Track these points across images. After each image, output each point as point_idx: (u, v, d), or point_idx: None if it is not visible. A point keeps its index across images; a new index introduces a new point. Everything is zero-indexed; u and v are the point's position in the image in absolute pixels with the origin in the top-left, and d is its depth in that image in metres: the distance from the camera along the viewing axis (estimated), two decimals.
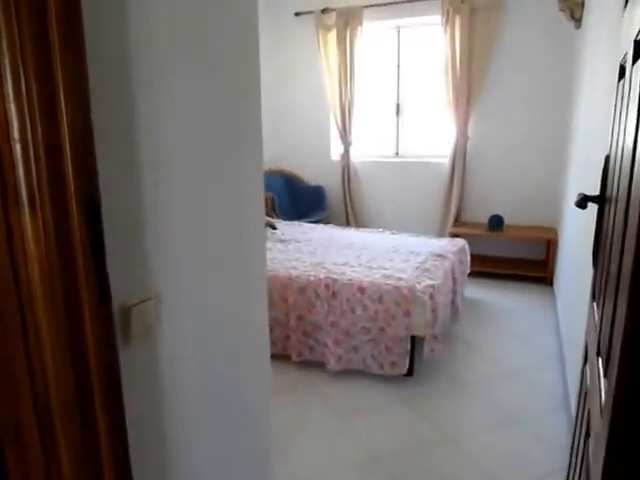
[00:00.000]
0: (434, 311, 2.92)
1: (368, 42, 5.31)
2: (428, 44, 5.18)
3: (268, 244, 3.92)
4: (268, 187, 5.24)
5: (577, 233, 3.13)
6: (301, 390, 2.99)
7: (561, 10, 4.15)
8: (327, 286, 3.07)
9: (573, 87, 4.13)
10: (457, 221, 5.13)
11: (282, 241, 4.04)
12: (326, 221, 5.45)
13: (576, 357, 2.81)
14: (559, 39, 4.55)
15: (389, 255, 3.60)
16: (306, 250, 3.77)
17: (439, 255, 3.55)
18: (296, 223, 4.80)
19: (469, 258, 4.18)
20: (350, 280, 3.06)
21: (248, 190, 1.50)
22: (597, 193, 1.65)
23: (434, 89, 5.18)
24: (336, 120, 5.44)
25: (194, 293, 1.28)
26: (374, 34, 5.33)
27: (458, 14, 4.74)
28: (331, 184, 5.66)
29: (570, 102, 4.25)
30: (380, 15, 5.11)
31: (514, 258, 5.06)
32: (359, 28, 5.12)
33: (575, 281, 3.09)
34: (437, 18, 4.88)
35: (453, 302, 3.52)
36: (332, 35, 5.26)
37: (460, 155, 5.02)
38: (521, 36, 4.72)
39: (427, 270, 3.24)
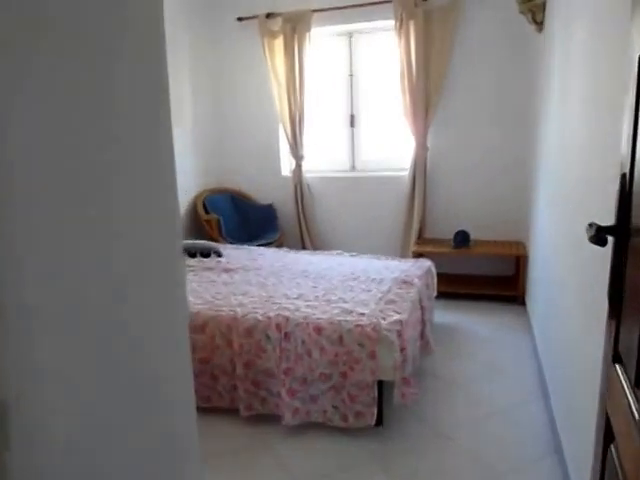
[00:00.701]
0: (403, 350, 2.52)
1: (318, 49, 4.94)
2: (382, 51, 4.85)
3: (212, 275, 3.45)
4: (214, 207, 4.78)
5: (554, 249, 2.80)
6: (251, 451, 2.53)
7: (521, 13, 3.88)
8: (278, 326, 2.62)
9: (538, 95, 3.85)
10: (420, 238, 4.78)
11: (228, 270, 3.57)
12: (279, 243, 5.01)
13: (561, 389, 2.47)
14: (521, 44, 4.29)
15: (349, 284, 3.18)
16: (255, 281, 3.32)
17: (404, 282, 3.16)
18: (245, 247, 4.34)
19: (436, 280, 3.82)
20: (305, 318, 2.63)
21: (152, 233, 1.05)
22: (612, 222, 1.28)
23: (391, 98, 4.85)
24: (286, 132, 5.03)
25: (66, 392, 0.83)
26: (324, 40, 4.96)
27: (412, 18, 4.42)
28: (283, 202, 5.23)
29: (535, 109, 3.97)
30: (330, 20, 4.75)
31: (482, 276, 4.74)
32: (307, 34, 4.74)
33: (553, 301, 2.75)
34: (390, 23, 4.55)
35: (422, 334, 3.13)
36: (279, 42, 4.86)
37: (420, 168, 4.68)
38: (479, 41, 4.44)
39: (392, 301, 2.84)
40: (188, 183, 5.00)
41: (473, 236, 4.55)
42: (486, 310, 4.27)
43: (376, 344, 2.48)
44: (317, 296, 2.97)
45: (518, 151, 4.47)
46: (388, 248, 4.92)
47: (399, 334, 2.50)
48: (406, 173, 4.78)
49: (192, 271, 3.61)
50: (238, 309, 2.79)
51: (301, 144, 5.01)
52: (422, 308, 3.11)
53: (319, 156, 5.24)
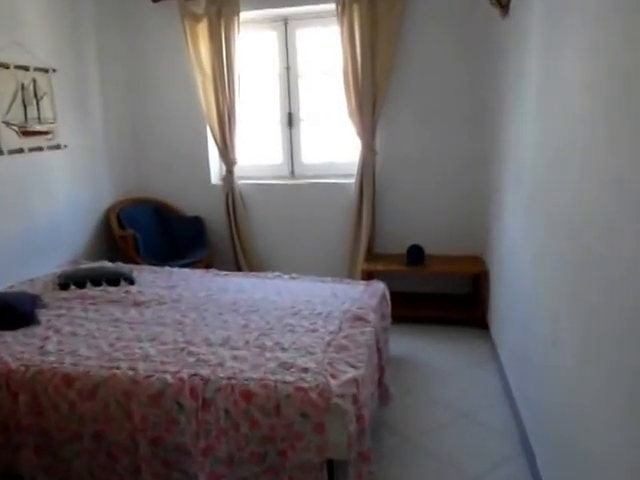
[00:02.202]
0: (360, 420, 1.92)
1: (248, 36, 4.30)
2: (323, 40, 4.26)
3: (117, 311, 2.74)
4: (131, 221, 4.04)
5: (534, 265, 2.29)
6: None
7: None
8: (194, 391, 1.96)
9: (501, 89, 3.37)
10: (370, 253, 4.22)
11: (138, 304, 2.86)
12: (208, 262, 4.32)
13: (550, 445, 1.95)
14: (481, 30, 3.79)
15: (288, 322, 2.55)
16: (170, 319, 2.63)
17: (357, 318, 2.56)
18: (166, 269, 3.62)
19: (390, 306, 3.25)
20: (230, 379, 1.98)
21: None
22: None
23: (334, 95, 4.27)
24: (214, 134, 4.34)
25: None
26: (255, 26, 4.32)
27: (356, 2, 3.85)
28: (213, 214, 4.53)
29: (498, 105, 3.48)
30: (262, 2, 4.12)
31: (438, 294, 4.24)
32: (235, 18, 4.08)
33: (535, 331, 2.24)
34: (331, 7, 3.96)
35: (380, 382, 2.55)
36: (202, 27, 4.17)
37: (368, 174, 4.12)
38: (432, 29, 3.93)
39: (343, 347, 2.23)
40: (100, 192, 4.23)
41: (427, 250, 4.03)
42: (445, 335, 3.75)
43: (324, 414, 1.86)
44: (248, 341, 2.32)
45: (476, 153, 3.99)
46: (334, 266, 4.33)
47: (355, 399, 1.90)
48: (352, 180, 4.22)
49: (93, 304, 2.87)
50: (141, 366, 2.11)
51: (232, 147, 4.34)
52: (379, 351, 2.53)
53: (253, 161, 4.59)
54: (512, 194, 3.01)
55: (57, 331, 2.49)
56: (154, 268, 3.67)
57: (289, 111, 4.42)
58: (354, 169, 4.18)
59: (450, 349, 3.54)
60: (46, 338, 2.41)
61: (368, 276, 3.95)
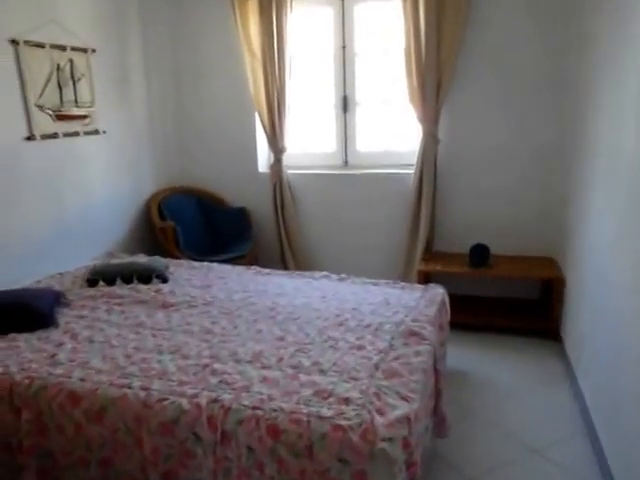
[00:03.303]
0: (411, 467, 1.54)
1: (301, 14, 3.93)
2: (383, 17, 3.84)
3: (142, 314, 2.47)
4: (172, 212, 3.79)
5: (632, 275, 1.83)
6: None
7: None
8: (212, 422, 1.64)
9: (594, 66, 2.85)
10: (428, 252, 3.79)
11: (167, 306, 2.58)
12: (252, 257, 4.03)
13: None
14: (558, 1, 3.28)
15: (331, 335, 2.20)
16: (199, 326, 2.33)
17: (412, 333, 2.17)
18: (205, 265, 3.35)
19: (449, 314, 2.84)
20: (255, 409, 1.64)
21: None
22: None
23: (394, 77, 3.85)
24: (262, 119, 4.02)
25: None
26: (309, 3, 3.95)
27: None
28: (259, 206, 4.23)
29: (585, 89, 2.97)
30: None
31: (503, 299, 3.77)
32: None
33: (630, 354, 1.78)
34: None
35: (436, 410, 2.15)
36: (253, 4, 3.84)
37: (430, 164, 3.69)
38: (508, 6, 3.44)
39: (395, 373, 1.85)
40: (141, 181, 4.01)
41: (493, 250, 3.57)
42: (510, 346, 3.29)
43: (367, 461, 1.50)
44: (281, 358, 1.98)
45: (554, 143, 3.48)
46: (388, 265, 3.94)
47: (406, 443, 1.52)
48: (412, 171, 3.79)
49: (119, 305, 2.62)
50: (156, 385, 1.81)
51: (281, 133, 4.01)
52: (436, 372, 2.13)
53: (304, 149, 4.24)
54: (603, 190, 2.52)
55: (74, 336, 2.24)
56: (192, 263, 3.40)
57: (344, 94, 4.04)
58: (413, 158, 3.76)
59: (516, 363, 3.08)
60: (60, 344, 2.16)
61: (425, 278, 3.54)
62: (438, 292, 2.79)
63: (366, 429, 1.52)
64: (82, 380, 1.86)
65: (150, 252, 3.75)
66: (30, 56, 3.02)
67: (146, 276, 2.94)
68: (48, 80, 3.15)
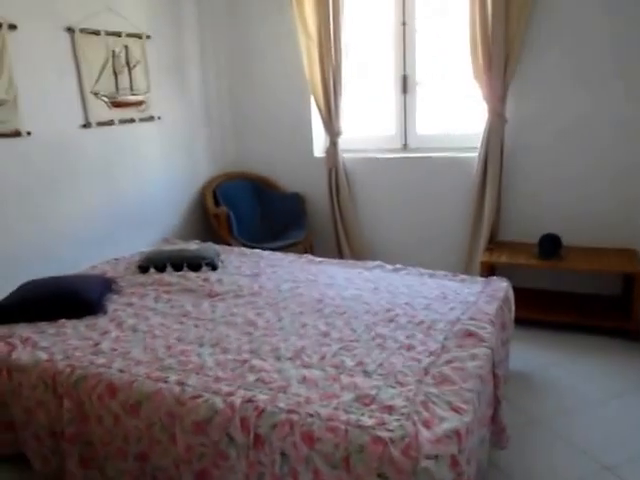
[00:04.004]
0: None
1: None
2: None
3: (188, 303, 2.44)
4: (227, 198, 3.75)
5: None
6: None
7: None
8: (245, 424, 1.55)
9: None
10: (492, 242, 3.54)
11: (213, 296, 2.53)
12: (307, 245, 3.93)
13: None
14: None
15: (380, 332, 2.05)
16: (243, 317, 2.25)
17: (469, 334, 1.99)
18: (256, 253, 3.28)
19: (513, 310, 2.62)
20: (291, 413, 1.54)
21: None
22: None
23: (457, 55, 3.59)
24: (317, 101, 3.88)
25: None
26: None
27: None
28: (314, 191, 4.12)
29: None
30: None
31: (576, 294, 3.47)
32: None
33: None
34: None
35: (494, 419, 1.97)
36: None
37: (495, 146, 3.42)
38: None
39: (446, 379, 1.68)
40: (196, 167, 3.99)
41: (565, 241, 3.28)
42: (584, 348, 3.01)
43: (409, 478, 1.36)
44: (324, 356, 1.87)
45: (636, 121, 3.14)
46: (449, 255, 3.73)
47: (454, 462, 1.37)
48: (475, 154, 3.54)
49: (167, 292, 2.59)
50: (192, 380, 1.74)
51: (337, 115, 3.85)
52: (495, 378, 1.95)
53: (361, 132, 4.07)
54: None
55: (119, 324, 2.23)
56: (244, 250, 3.34)
57: (404, 74, 3.82)
58: (477, 141, 3.51)
59: (590, 367, 2.81)
60: (105, 333, 2.15)
61: (488, 269, 3.31)
62: (501, 286, 2.58)
63: (409, 444, 1.37)
64: (121, 371, 1.83)
65: (204, 238, 3.73)
66: (85, 43, 3.03)
67: (196, 264, 2.90)
68: (103, 67, 3.16)
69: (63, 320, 2.28)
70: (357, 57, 3.89)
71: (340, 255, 3.98)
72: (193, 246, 3.16)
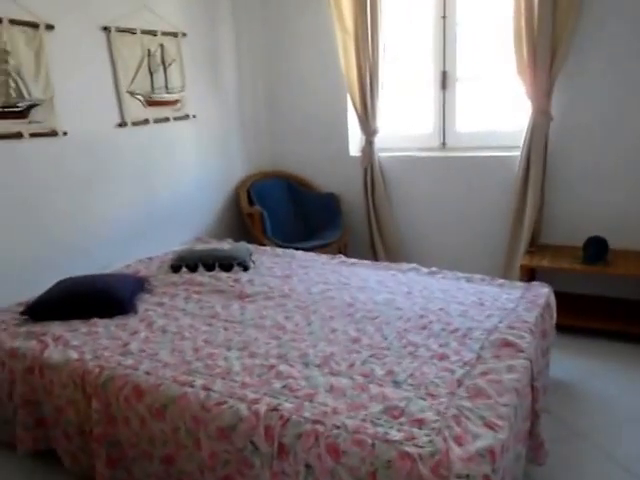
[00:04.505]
0: None
1: None
2: None
3: (218, 304, 2.42)
4: (261, 197, 3.73)
5: None
6: None
7: None
8: (269, 433, 1.51)
9: None
10: (534, 245, 3.40)
11: (243, 297, 2.50)
12: (342, 245, 3.87)
13: None
14: None
15: (412, 339, 1.98)
16: (271, 320, 2.21)
17: (507, 344, 1.89)
18: (289, 253, 3.25)
19: (555, 317, 2.50)
20: (316, 423, 1.48)
21: None
22: None
23: (500, 49, 3.46)
24: (354, 99, 3.81)
25: None
26: None
27: None
28: (349, 191, 4.05)
29: None
30: None
31: (622, 300, 3.29)
32: None
33: None
34: None
35: (532, 433, 1.87)
36: None
37: (539, 145, 3.28)
38: None
39: (480, 392, 1.60)
40: (231, 166, 3.98)
41: (612, 244, 3.12)
42: (630, 358, 2.85)
43: None
44: (353, 364, 1.81)
45: None
46: (487, 258, 3.61)
47: None
48: (517, 153, 3.41)
49: (197, 293, 2.58)
50: (217, 385, 1.71)
51: (373, 114, 3.77)
52: (533, 390, 1.85)
53: (397, 130, 3.98)
54: None
55: (149, 325, 2.22)
56: (276, 250, 3.31)
57: (443, 69, 3.71)
58: (520, 139, 3.37)
59: (637, 378, 2.66)
60: (135, 333, 2.15)
61: (529, 274, 3.18)
62: (542, 292, 2.46)
63: (439, 461, 1.30)
64: (148, 374, 1.81)
65: (238, 237, 3.72)
66: (121, 42, 3.04)
67: (227, 264, 2.88)
68: (139, 66, 3.17)
69: (95, 319, 2.30)
70: (395, 52, 3.79)
71: (374, 256, 3.91)
72: (226, 245, 3.14)
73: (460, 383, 1.65)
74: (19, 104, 2.53)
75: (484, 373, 1.70)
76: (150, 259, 3.12)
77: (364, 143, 3.88)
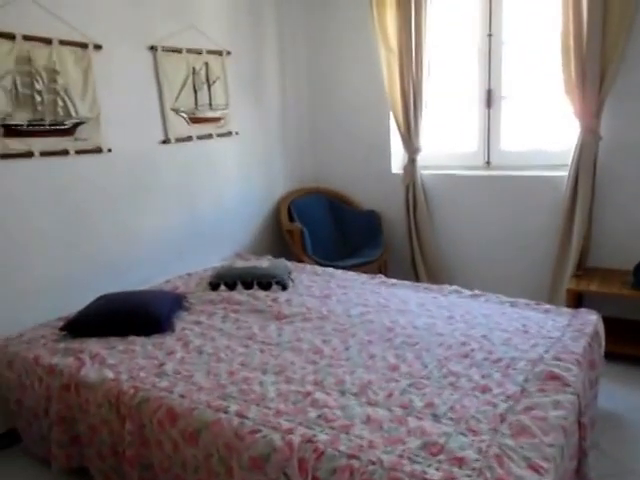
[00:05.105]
0: None
1: (443, 4, 3.61)
2: (536, 3, 3.37)
3: (255, 324, 2.40)
4: (302, 214, 3.73)
5: None
6: None
7: None
8: (303, 465, 1.47)
9: None
10: (581, 269, 3.27)
11: (280, 318, 2.48)
12: (381, 263, 3.82)
13: None
14: None
15: (453, 369, 1.91)
16: (309, 343, 2.18)
17: (553, 377, 1.80)
18: (328, 271, 3.22)
19: (603, 345, 2.38)
20: (352, 458, 1.43)
21: None
22: None
23: (547, 67, 3.37)
24: (397, 117, 3.77)
25: None
26: None
27: None
28: (390, 209, 3.99)
29: None
30: None
31: None
32: None
33: None
34: None
35: (579, 471, 1.77)
36: None
37: (587, 165, 3.16)
38: None
39: (524, 430, 1.51)
40: (272, 182, 3.99)
41: None
42: None
43: None
44: (391, 394, 1.75)
45: None
46: (531, 281, 3.49)
47: None
48: (565, 172, 3.29)
49: (235, 312, 2.58)
50: (252, 412, 1.68)
51: (416, 132, 3.72)
52: (581, 427, 1.75)
53: (441, 148, 3.92)
54: None
55: (185, 345, 2.22)
56: (315, 269, 3.29)
57: (488, 87, 3.63)
58: (567, 159, 3.26)
59: None
60: (171, 353, 2.15)
61: (576, 298, 3.05)
62: (590, 319, 2.35)
63: None
64: (182, 397, 1.80)
65: (278, 254, 3.72)
66: (167, 61, 3.10)
67: (266, 282, 2.87)
68: (184, 84, 3.22)
69: (133, 337, 2.31)
70: (439, 70, 3.74)
71: (415, 275, 3.84)
72: (265, 263, 3.14)
73: (503, 419, 1.58)
74: (66, 122, 2.60)
75: (528, 408, 1.61)
76: (189, 275, 3.14)
77: (406, 161, 3.83)
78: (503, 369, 1.89)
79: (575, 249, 3.23)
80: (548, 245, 3.41)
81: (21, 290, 2.51)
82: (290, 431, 1.56)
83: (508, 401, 1.67)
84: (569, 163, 3.24)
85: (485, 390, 1.75)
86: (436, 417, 1.60)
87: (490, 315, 2.43)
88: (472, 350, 2.04)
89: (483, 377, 1.83)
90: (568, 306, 2.80)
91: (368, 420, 1.60)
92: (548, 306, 2.58)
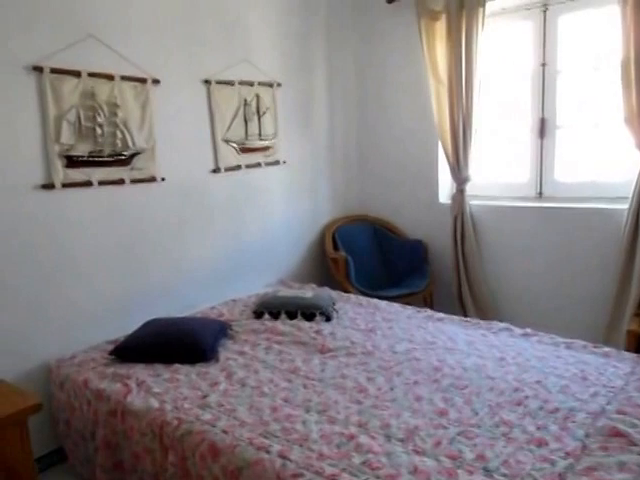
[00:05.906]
0: None
1: (494, 31, 3.56)
2: (594, 30, 3.28)
3: (298, 357, 2.36)
4: (346, 242, 3.70)
5: None
6: None
7: None
8: None
9: None
10: None
11: (324, 351, 2.43)
12: (427, 295, 3.73)
13: None
14: None
15: (505, 417, 1.81)
16: (353, 380, 2.12)
17: (616, 433, 1.68)
18: (373, 302, 3.16)
19: None
20: None
21: None
22: None
23: (604, 97, 3.26)
24: (445, 147, 3.71)
25: None
26: (504, 18, 3.56)
27: None
28: (437, 239, 3.92)
29: None
30: None
31: None
32: (480, 10, 3.37)
33: None
34: None
35: None
36: (440, 25, 3.58)
37: None
38: None
39: None
40: (318, 210, 3.99)
41: None
42: None
43: None
44: (439, 442, 1.67)
45: None
46: (587, 320, 3.32)
47: None
48: (625, 205, 3.14)
49: (278, 343, 2.55)
50: (294, 454, 1.63)
51: (465, 162, 3.65)
52: None
53: (491, 178, 3.83)
54: None
55: (229, 376, 2.21)
56: (360, 299, 3.24)
57: (542, 117, 3.54)
58: (627, 191, 3.11)
59: None
60: (215, 384, 2.14)
61: (637, 341, 2.87)
62: None
63: None
64: (224, 432, 1.78)
65: (322, 282, 3.69)
66: (220, 94, 3.15)
67: (309, 313, 2.84)
68: (235, 115, 3.27)
69: (177, 365, 2.32)
70: (490, 99, 3.68)
71: (462, 307, 3.73)
72: (309, 292, 3.11)
73: (562, 479, 1.47)
74: (124, 152, 2.67)
75: (590, 469, 1.50)
76: (234, 301, 3.15)
77: (455, 191, 3.76)
78: (561, 421, 1.77)
79: (636, 286, 3.06)
80: (604, 281, 3.25)
81: (76, 311, 2.57)
82: (333, 477, 1.51)
83: (567, 458, 1.56)
84: (629, 195, 3.10)
85: (541, 444, 1.64)
86: (488, 472, 1.51)
87: (544, 358, 2.31)
88: (526, 397, 1.94)
89: (538, 429, 1.73)
90: (628, 349, 2.64)
91: (415, 471, 1.53)
92: (608, 349, 2.43)
